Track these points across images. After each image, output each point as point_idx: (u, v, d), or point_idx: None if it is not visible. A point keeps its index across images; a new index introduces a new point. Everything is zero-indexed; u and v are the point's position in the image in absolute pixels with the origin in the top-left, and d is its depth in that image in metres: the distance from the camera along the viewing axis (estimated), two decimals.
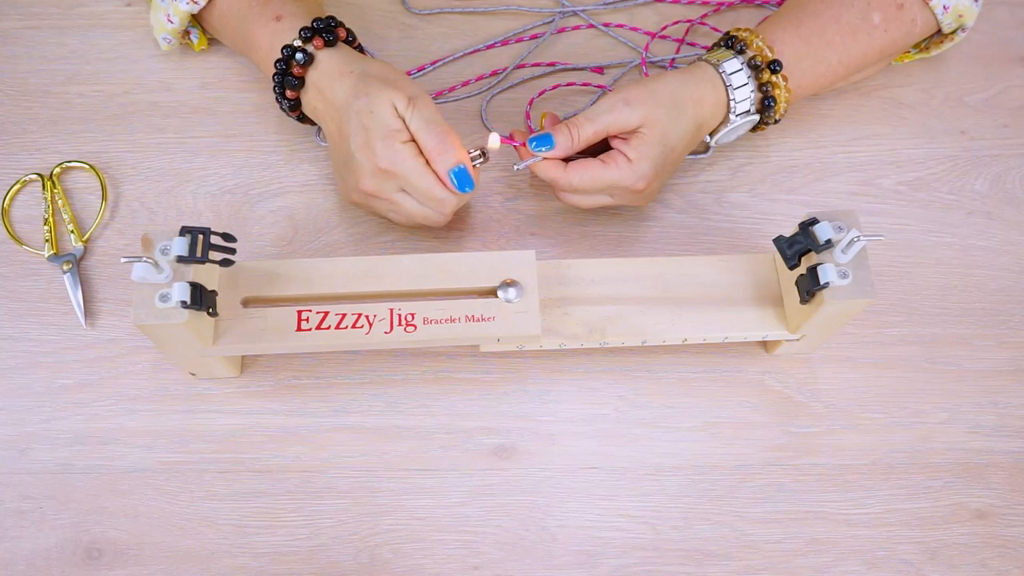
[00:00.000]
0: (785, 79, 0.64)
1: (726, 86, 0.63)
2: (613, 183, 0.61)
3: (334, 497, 0.60)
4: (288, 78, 0.61)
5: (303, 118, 0.65)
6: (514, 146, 0.63)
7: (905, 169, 0.72)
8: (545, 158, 0.61)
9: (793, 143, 0.73)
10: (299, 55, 0.60)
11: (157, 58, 0.74)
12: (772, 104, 0.64)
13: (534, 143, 0.61)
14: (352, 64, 0.60)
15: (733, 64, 0.63)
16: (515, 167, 0.63)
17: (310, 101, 0.62)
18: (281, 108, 0.65)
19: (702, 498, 0.61)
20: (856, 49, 0.66)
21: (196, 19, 0.69)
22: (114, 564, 0.58)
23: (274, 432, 0.62)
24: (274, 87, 0.63)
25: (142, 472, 0.61)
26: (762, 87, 0.63)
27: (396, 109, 0.58)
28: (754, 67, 0.63)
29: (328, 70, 0.60)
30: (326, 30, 0.61)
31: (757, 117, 0.65)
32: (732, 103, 0.63)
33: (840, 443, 0.63)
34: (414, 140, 0.58)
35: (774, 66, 0.63)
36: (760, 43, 0.63)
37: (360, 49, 0.65)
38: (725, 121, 0.64)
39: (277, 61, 0.61)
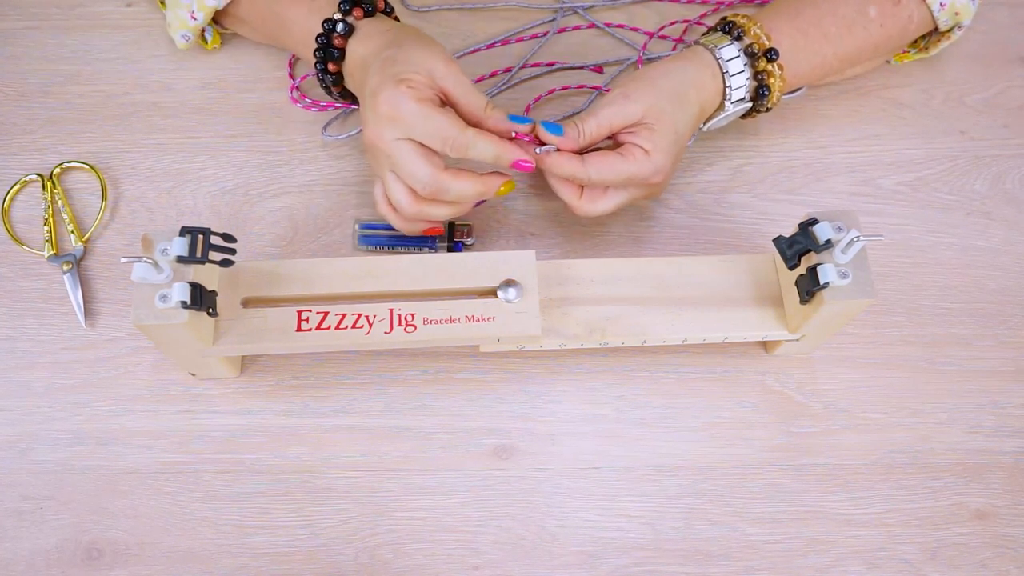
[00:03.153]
0: (781, 68, 0.63)
1: (723, 72, 0.62)
2: (631, 176, 0.59)
3: (334, 497, 0.60)
4: (330, 51, 0.61)
5: (345, 94, 0.65)
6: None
7: (905, 169, 0.72)
8: (559, 149, 0.59)
9: (793, 143, 0.73)
10: (340, 26, 0.60)
11: (157, 58, 0.74)
12: (766, 93, 0.63)
13: (546, 127, 0.60)
14: (388, 24, 0.60)
15: (731, 51, 0.62)
16: (536, 150, 0.61)
17: (351, 71, 0.62)
18: (322, 85, 0.64)
19: (702, 498, 0.61)
20: (852, 42, 0.66)
21: (216, 17, 0.70)
22: (114, 564, 0.58)
23: (274, 432, 0.62)
24: (315, 63, 0.63)
25: (142, 472, 0.61)
26: (757, 75, 0.63)
27: (432, 71, 0.57)
28: (751, 55, 0.63)
29: (367, 35, 0.60)
30: (365, 0, 0.61)
31: (750, 105, 0.65)
32: (728, 90, 0.63)
33: (840, 443, 0.63)
34: (427, 99, 0.56)
35: (771, 54, 0.62)
36: (758, 30, 0.63)
37: (397, 20, 0.65)
38: (720, 108, 0.64)
39: (318, 35, 0.61)
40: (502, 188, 0.60)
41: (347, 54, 0.61)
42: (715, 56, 0.62)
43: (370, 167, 0.63)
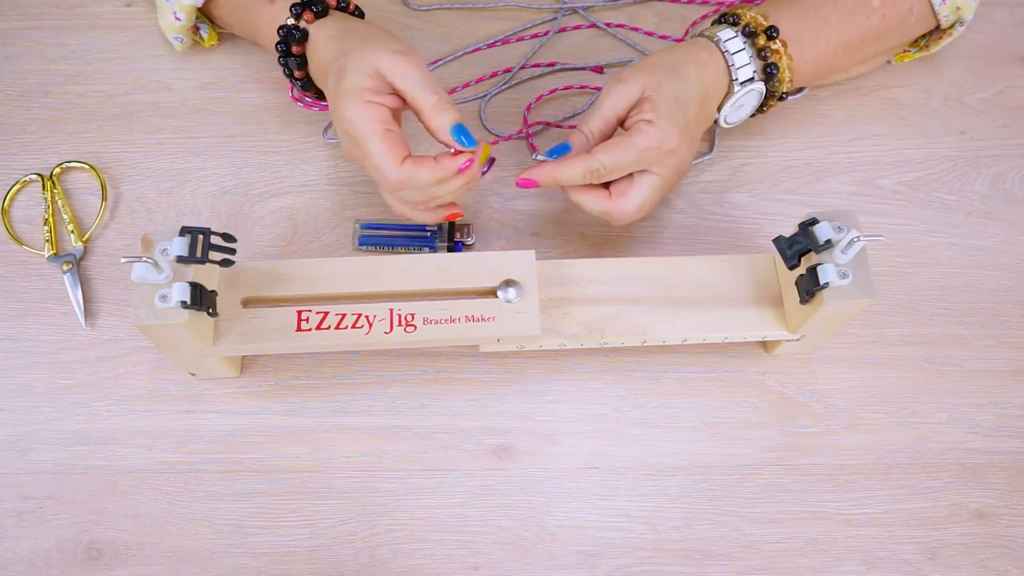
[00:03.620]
0: (784, 44, 0.63)
1: (722, 52, 0.62)
2: (642, 149, 0.58)
3: (334, 497, 0.61)
4: (291, 59, 0.61)
5: (322, 94, 0.65)
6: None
7: (905, 169, 0.72)
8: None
9: (793, 143, 0.73)
10: (295, 33, 0.60)
11: (157, 58, 0.74)
12: (775, 71, 0.63)
13: (552, 154, 0.60)
14: (338, 26, 0.60)
15: (727, 33, 0.62)
16: (536, 156, 0.61)
17: (317, 78, 0.62)
18: (300, 88, 0.65)
19: (702, 498, 0.61)
20: (854, 30, 0.65)
21: (205, 14, 0.70)
22: (114, 564, 0.58)
23: (274, 432, 0.62)
24: (283, 71, 0.63)
25: (142, 472, 0.61)
26: (761, 53, 0.63)
27: (379, 68, 0.56)
28: (749, 34, 0.62)
29: (319, 38, 0.60)
30: (314, 2, 0.60)
31: (763, 86, 0.64)
32: (732, 69, 0.62)
33: (840, 443, 0.63)
34: (380, 103, 0.56)
35: (771, 31, 0.62)
36: (754, 15, 0.63)
37: (358, 13, 0.64)
38: (730, 92, 0.63)
39: (277, 44, 0.61)
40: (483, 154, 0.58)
41: (308, 59, 0.62)
42: (712, 40, 0.63)
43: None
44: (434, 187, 0.56)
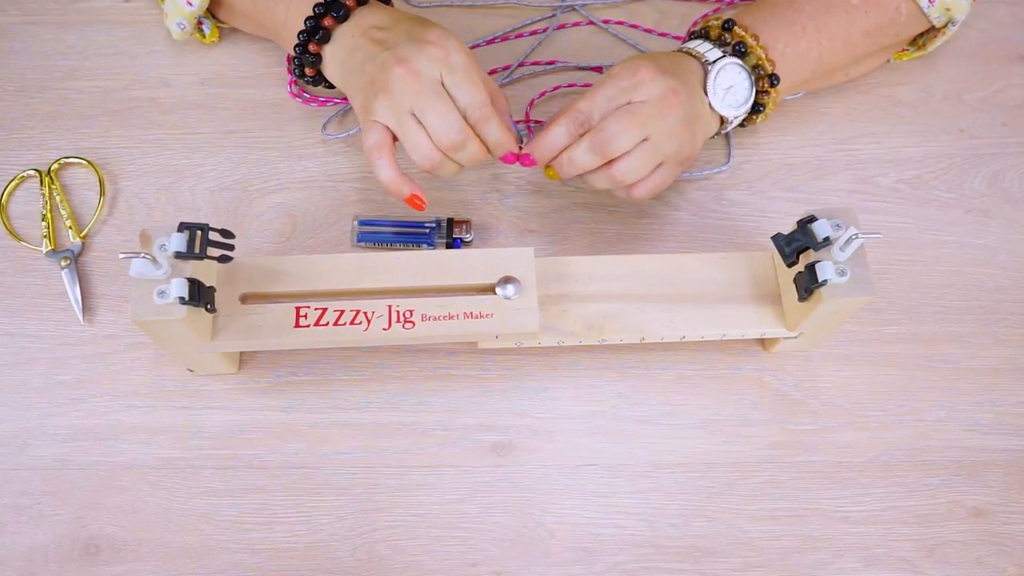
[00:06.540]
0: (745, 28, 0.63)
1: (685, 51, 0.64)
2: (613, 75, 0.58)
3: (332, 493, 0.61)
4: (306, 56, 0.62)
5: (331, 85, 0.66)
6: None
7: (903, 167, 0.72)
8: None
9: (792, 141, 0.73)
10: (319, 34, 0.61)
11: (156, 54, 0.74)
12: (744, 49, 0.63)
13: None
14: (371, 19, 0.61)
15: (693, 40, 0.65)
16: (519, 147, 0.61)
17: (331, 72, 0.63)
18: (301, 81, 0.67)
19: (700, 495, 0.61)
20: (835, 23, 0.65)
21: (211, 11, 0.70)
22: (112, 560, 0.58)
23: (272, 428, 0.62)
24: (293, 68, 0.65)
25: (140, 468, 0.61)
26: (722, 39, 0.64)
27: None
28: (705, 30, 0.65)
29: (343, 40, 0.61)
30: (334, 5, 0.61)
31: (741, 62, 0.63)
32: (696, 49, 0.63)
33: (838, 441, 0.63)
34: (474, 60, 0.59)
35: (727, 24, 0.64)
36: (711, 22, 0.65)
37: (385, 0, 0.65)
38: (707, 73, 0.62)
39: (296, 46, 0.62)
40: None
41: (324, 58, 0.63)
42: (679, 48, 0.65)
43: (366, 109, 0.59)
44: (469, 158, 0.58)
